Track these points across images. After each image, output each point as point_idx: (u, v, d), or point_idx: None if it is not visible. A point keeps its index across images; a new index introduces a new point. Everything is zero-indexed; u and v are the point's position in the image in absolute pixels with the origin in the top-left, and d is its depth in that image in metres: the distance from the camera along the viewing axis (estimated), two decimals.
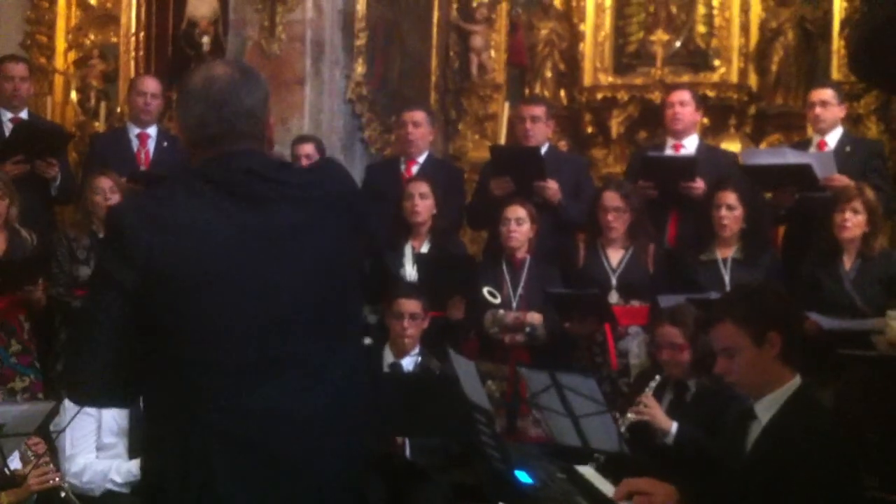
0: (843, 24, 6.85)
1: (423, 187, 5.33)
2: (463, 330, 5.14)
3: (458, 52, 7.80)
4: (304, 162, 5.54)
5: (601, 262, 5.19)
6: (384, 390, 3.87)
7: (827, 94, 5.67)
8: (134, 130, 6.17)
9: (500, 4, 7.77)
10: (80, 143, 7.15)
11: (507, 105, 6.66)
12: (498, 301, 5.12)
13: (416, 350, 4.66)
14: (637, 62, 7.44)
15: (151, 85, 6.22)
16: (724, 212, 5.07)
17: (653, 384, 4.06)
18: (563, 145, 7.14)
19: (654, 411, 3.93)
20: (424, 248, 5.31)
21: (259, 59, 6.29)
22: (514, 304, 5.12)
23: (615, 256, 5.19)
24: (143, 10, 7.60)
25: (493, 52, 7.76)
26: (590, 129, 7.49)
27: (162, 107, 6.31)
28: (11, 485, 3.68)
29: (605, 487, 3.19)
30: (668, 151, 5.72)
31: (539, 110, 5.76)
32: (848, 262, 4.91)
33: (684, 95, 5.76)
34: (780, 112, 7.23)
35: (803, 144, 5.84)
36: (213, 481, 2.08)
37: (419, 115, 5.86)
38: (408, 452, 4.27)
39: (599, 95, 7.37)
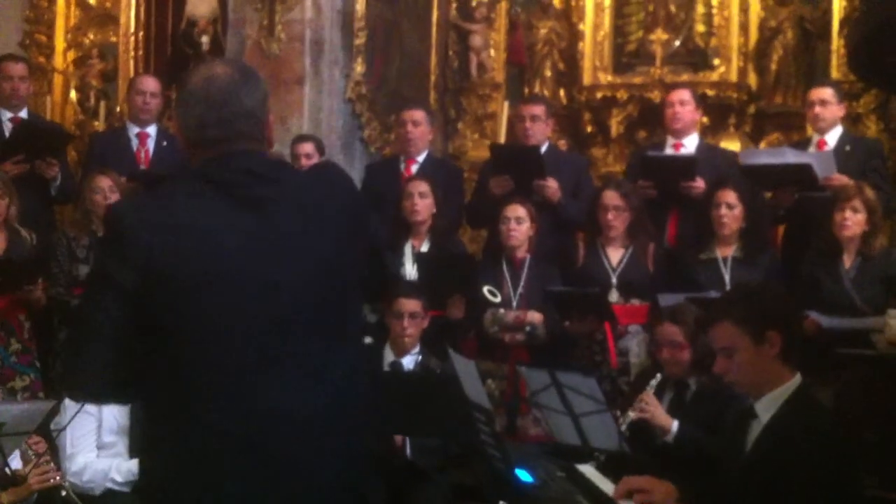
0: (843, 23, 6.85)
1: (422, 186, 5.33)
2: (463, 329, 5.14)
3: (458, 52, 7.80)
4: (304, 161, 5.55)
5: (601, 260, 5.20)
6: (384, 390, 3.88)
7: (826, 92, 5.67)
8: (133, 130, 6.17)
9: (500, 4, 7.76)
10: (80, 142, 7.15)
11: (506, 104, 6.66)
12: (498, 300, 5.12)
13: (417, 349, 4.67)
14: (636, 61, 7.43)
15: (151, 84, 6.23)
16: (723, 210, 5.08)
17: (653, 383, 4.06)
18: (562, 144, 7.14)
19: (655, 410, 3.93)
20: (424, 248, 5.31)
21: (258, 58, 6.29)
22: (515, 303, 5.13)
23: (615, 255, 5.20)
24: (142, 9, 7.60)
25: (492, 52, 7.76)
26: (589, 129, 7.49)
27: (161, 106, 6.31)
28: (12, 484, 3.69)
29: (606, 486, 3.19)
30: (668, 150, 5.72)
31: (539, 109, 5.76)
32: (848, 262, 4.92)
33: (684, 95, 5.76)
34: (780, 111, 7.23)
35: (803, 144, 5.84)
36: (213, 481, 2.08)
37: (418, 114, 5.86)
38: (408, 452, 4.27)
39: (599, 95, 7.36)
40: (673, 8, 7.35)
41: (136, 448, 3.98)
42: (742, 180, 5.29)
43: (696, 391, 4.05)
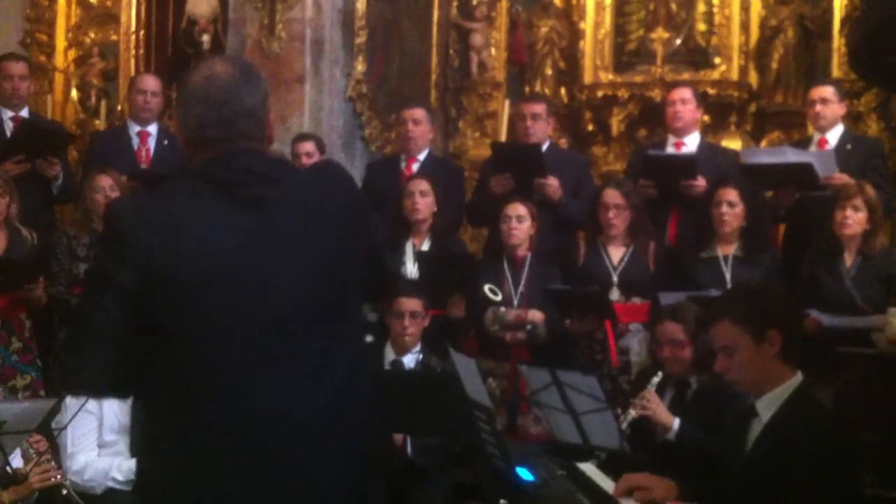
0: (843, 21, 6.85)
1: (423, 185, 5.33)
2: (463, 328, 5.14)
3: (458, 50, 7.80)
4: (305, 160, 5.55)
5: (602, 259, 5.20)
6: (385, 389, 3.88)
7: (827, 91, 5.67)
8: (134, 128, 6.17)
9: (500, 2, 7.76)
10: (80, 141, 7.15)
11: (507, 103, 6.66)
12: (499, 299, 5.12)
13: (417, 348, 4.67)
14: (637, 60, 7.43)
15: (151, 83, 6.22)
16: (724, 208, 5.08)
17: (655, 381, 4.06)
18: (563, 143, 7.14)
19: (657, 407, 3.93)
20: (425, 247, 5.31)
21: (259, 57, 6.28)
22: (515, 302, 5.13)
23: (616, 254, 5.20)
24: (142, 8, 7.60)
25: (493, 50, 7.75)
26: (590, 127, 7.49)
27: (162, 105, 6.31)
28: (13, 483, 3.69)
29: (606, 485, 3.20)
30: (670, 149, 5.72)
31: (540, 108, 5.76)
32: (848, 260, 4.92)
33: (685, 93, 5.76)
34: (781, 110, 7.23)
35: (804, 142, 5.84)
36: (213, 481, 2.08)
37: (419, 113, 5.85)
38: (409, 451, 4.28)
39: (600, 93, 7.36)
40: (674, 6, 7.36)
41: (136, 447, 3.99)
42: (743, 179, 5.29)
43: (696, 390, 4.05)
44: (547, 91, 7.56)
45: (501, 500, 3.13)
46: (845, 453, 2.78)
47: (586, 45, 7.43)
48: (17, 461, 3.80)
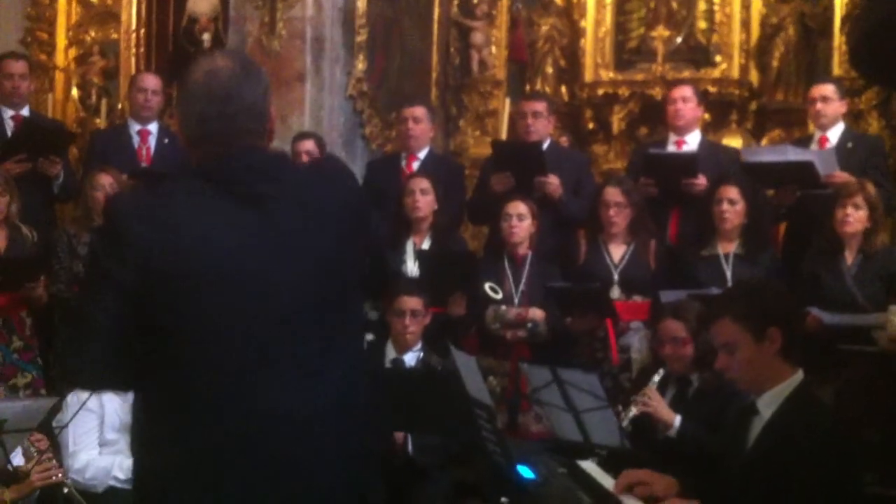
0: (844, 19, 6.85)
1: (423, 183, 5.33)
2: (464, 326, 5.15)
3: (459, 49, 7.80)
4: (305, 158, 5.54)
5: (603, 257, 5.20)
6: (386, 387, 3.88)
7: (828, 89, 5.66)
8: (135, 127, 6.17)
9: (501, 1, 7.76)
10: (81, 139, 7.15)
11: (507, 101, 6.67)
12: (499, 297, 5.12)
13: (418, 346, 4.67)
14: (638, 58, 7.43)
15: (152, 81, 6.23)
16: (725, 206, 5.08)
17: (656, 378, 4.07)
18: (564, 141, 7.13)
19: (658, 404, 3.93)
20: (425, 245, 5.31)
21: (259, 55, 6.27)
22: (516, 300, 5.13)
23: (617, 252, 5.20)
24: (143, 6, 7.59)
25: (493, 49, 7.75)
26: (591, 126, 7.49)
27: (162, 103, 6.31)
28: (14, 481, 3.69)
29: (607, 482, 3.19)
30: (671, 147, 5.72)
31: (540, 106, 5.75)
32: (849, 258, 4.92)
33: (686, 91, 5.76)
34: (781, 108, 7.23)
35: (805, 140, 5.83)
36: (213, 481, 2.08)
37: (419, 111, 5.85)
38: (410, 449, 4.28)
39: (600, 91, 7.36)
40: (674, 5, 7.36)
41: (135, 446, 3.99)
42: (744, 177, 5.29)
43: (698, 387, 4.05)
44: (547, 89, 7.56)
45: (502, 499, 3.14)
46: (846, 451, 2.78)
47: (587, 43, 7.43)
48: (18, 459, 3.80)
